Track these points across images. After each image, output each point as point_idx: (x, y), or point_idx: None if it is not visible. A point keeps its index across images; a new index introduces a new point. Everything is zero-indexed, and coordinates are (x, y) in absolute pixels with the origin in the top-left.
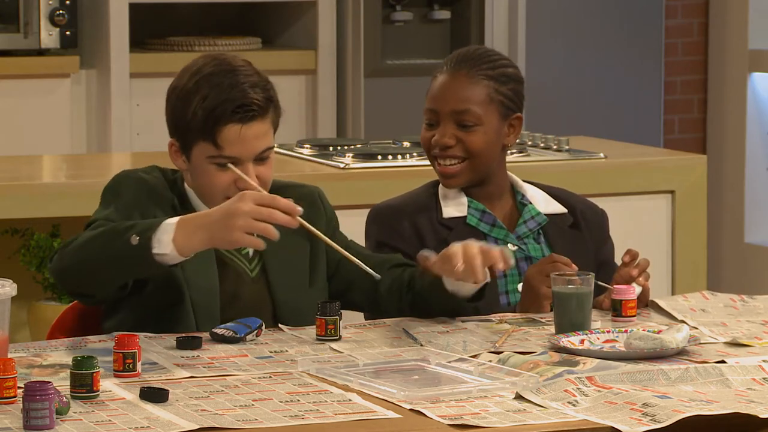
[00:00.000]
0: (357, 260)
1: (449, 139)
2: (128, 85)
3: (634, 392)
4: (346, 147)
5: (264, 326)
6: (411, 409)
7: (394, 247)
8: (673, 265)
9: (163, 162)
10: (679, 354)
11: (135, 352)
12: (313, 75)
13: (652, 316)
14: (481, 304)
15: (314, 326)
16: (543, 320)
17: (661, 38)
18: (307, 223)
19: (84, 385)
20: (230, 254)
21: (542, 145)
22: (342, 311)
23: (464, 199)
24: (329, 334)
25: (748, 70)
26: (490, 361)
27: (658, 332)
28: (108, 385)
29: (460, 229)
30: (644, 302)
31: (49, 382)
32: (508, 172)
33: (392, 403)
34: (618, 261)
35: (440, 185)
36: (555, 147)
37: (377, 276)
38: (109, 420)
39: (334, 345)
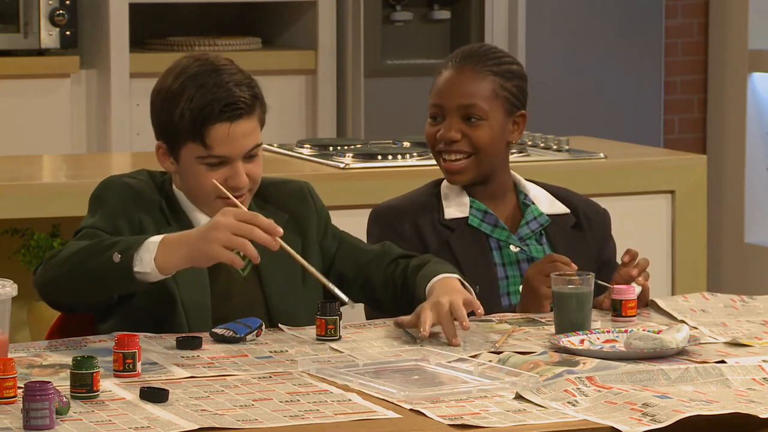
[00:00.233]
0: (330, 284)
1: (455, 133)
2: (128, 85)
3: (634, 392)
4: (346, 147)
5: (264, 326)
6: (411, 409)
7: None
8: (673, 265)
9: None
10: (679, 354)
11: (135, 352)
12: (313, 75)
13: (652, 316)
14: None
15: (314, 326)
16: (543, 320)
17: (661, 38)
18: (287, 246)
19: (84, 385)
20: None
21: (542, 145)
22: (342, 312)
23: (466, 200)
24: (329, 334)
25: (748, 70)
26: (490, 361)
27: (658, 332)
28: (108, 385)
29: (462, 230)
30: (644, 302)
31: (49, 382)
32: (511, 171)
33: (392, 403)
34: (618, 261)
35: (442, 185)
36: (555, 147)
37: (348, 301)
38: (109, 420)
39: (334, 345)
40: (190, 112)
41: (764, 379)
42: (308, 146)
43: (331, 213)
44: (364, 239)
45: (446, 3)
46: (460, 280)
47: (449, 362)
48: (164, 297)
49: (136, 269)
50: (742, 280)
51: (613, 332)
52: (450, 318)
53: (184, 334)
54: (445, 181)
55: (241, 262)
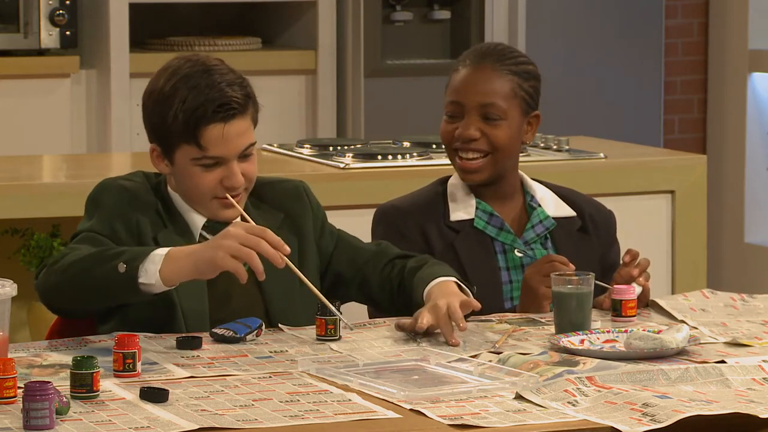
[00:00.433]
0: (320, 294)
1: (474, 131)
2: (128, 85)
3: (634, 392)
4: (346, 147)
5: (264, 326)
6: (411, 409)
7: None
8: (673, 265)
9: None
10: (679, 354)
11: (135, 352)
12: (313, 75)
13: (652, 316)
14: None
15: (314, 326)
16: (543, 320)
17: (661, 38)
18: (292, 265)
19: (84, 385)
20: None
21: (542, 145)
22: (342, 310)
23: (473, 201)
24: (329, 334)
25: (748, 70)
26: (490, 361)
27: (658, 332)
28: (108, 385)
29: (467, 232)
30: (644, 302)
31: (49, 382)
32: (519, 171)
33: (392, 403)
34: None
35: (448, 183)
36: (555, 147)
37: (347, 324)
38: (109, 420)
39: (334, 345)
40: (183, 114)
41: (764, 379)
42: (308, 146)
43: (331, 213)
44: (366, 239)
45: (446, 3)
46: (457, 282)
47: (449, 362)
48: (163, 301)
49: (141, 280)
50: (742, 280)
51: (613, 332)
52: (447, 320)
53: (184, 334)
54: (451, 180)
55: (246, 274)
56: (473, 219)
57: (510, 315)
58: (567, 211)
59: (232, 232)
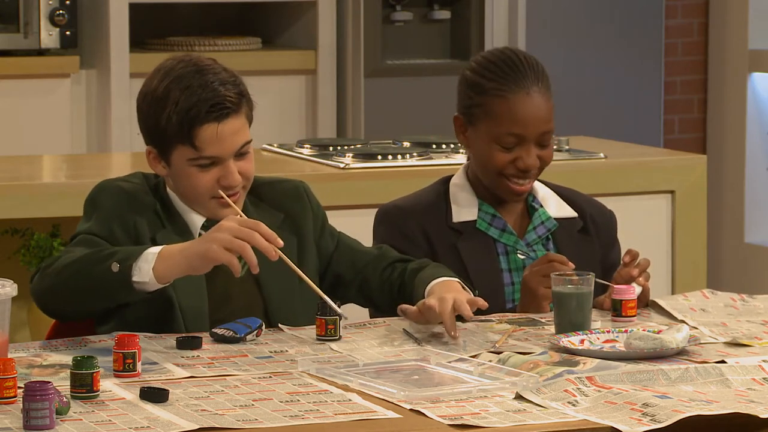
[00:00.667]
0: (322, 293)
1: (536, 160)
2: (128, 85)
3: (634, 392)
4: (346, 147)
5: (264, 326)
6: (411, 409)
7: (401, 250)
8: (673, 265)
9: None
10: (679, 354)
11: (135, 352)
12: (313, 75)
13: (652, 316)
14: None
15: (314, 326)
16: (543, 320)
17: (661, 38)
18: (285, 257)
19: (84, 385)
20: None
21: None
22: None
23: (475, 202)
24: (329, 334)
25: (748, 70)
26: (490, 361)
27: (658, 332)
28: (108, 385)
29: (470, 233)
30: (644, 302)
31: (49, 382)
32: None
33: (392, 403)
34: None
35: (451, 184)
36: (555, 147)
37: (343, 315)
38: (109, 420)
39: (334, 345)
40: (177, 115)
41: (764, 379)
42: (308, 146)
43: (331, 213)
44: (367, 239)
45: (446, 3)
46: (460, 282)
47: (449, 362)
48: (162, 301)
49: (134, 279)
50: (742, 280)
51: (613, 332)
52: (452, 313)
53: (184, 334)
54: (453, 180)
55: (239, 266)
56: (476, 220)
57: (510, 315)
58: (568, 212)
59: (225, 226)
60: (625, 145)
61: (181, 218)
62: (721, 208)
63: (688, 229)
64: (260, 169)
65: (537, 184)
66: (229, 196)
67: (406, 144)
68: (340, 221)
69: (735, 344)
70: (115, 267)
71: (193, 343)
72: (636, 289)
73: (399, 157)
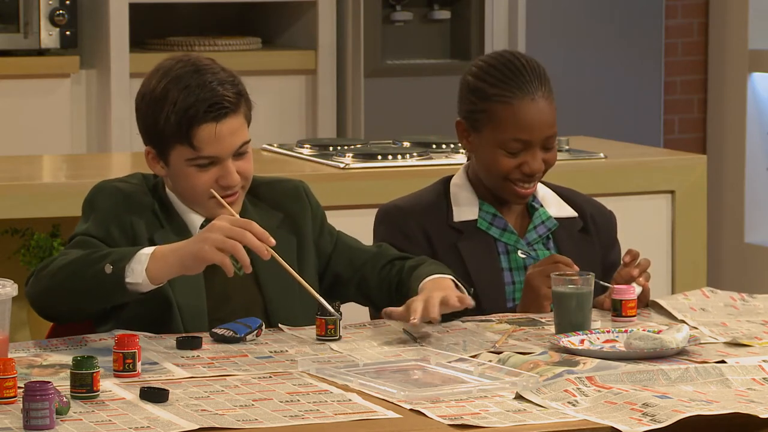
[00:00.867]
0: (318, 296)
1: (541, 164)
2: (128, 85)
3: (634, 392)
4: (346, 147)
5: (264, 326)
6: (411, 409)
7: (401, 250)
8: (673, 265)
9: None
10: (679, 354)
11: (135, 352)
12: (313, 75)
13: (652, 316)
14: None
15: (314, 326)
16: (543, 320)
17: (661, 38)
18: (277, 256)
19: (84, 385)
20: None
21: None
22: (342, 311)
23: (476, 201)
24: (329, 334)
25: (748, 70)
26: (490, 361)
27: (658, 332)
28: (108, 385)
29: (471, 232)
30: (644, 302)
31: (49, 382)
32: None
33: (392, 403)
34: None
35: (451, 183)
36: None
37: (336, 315)
38: (109, 420)
39: (334, 345)
40: (175, 115)
41: (764, 379)
42: (308, 146)
43: (331, 213)
44: (367, 239)
45: (446, 3)
46: (453, 279)
47: (449, 362)
48: (160, 301)
49: (127, 280)
50: (742, 280)
51: (613, 332)
52: (435, 306)
53: (184, 334)
54: (453, 180)
55: (232, 266)
56: (477, 220)
57: (510, 315)
58: (568, 212)
59: (217, 226)
60: (625, 145)
61: (180, 218)
62: (721, 208)
63: (688, 229)
64: (260, 169)
65: (537, 185)
66: (227, 196)
67: (406, 144)
68: (340, 221)
69: (735, 344)
70: (108, 268)
71: (193, 343)
72: (636, 289)
73: (399, 157)
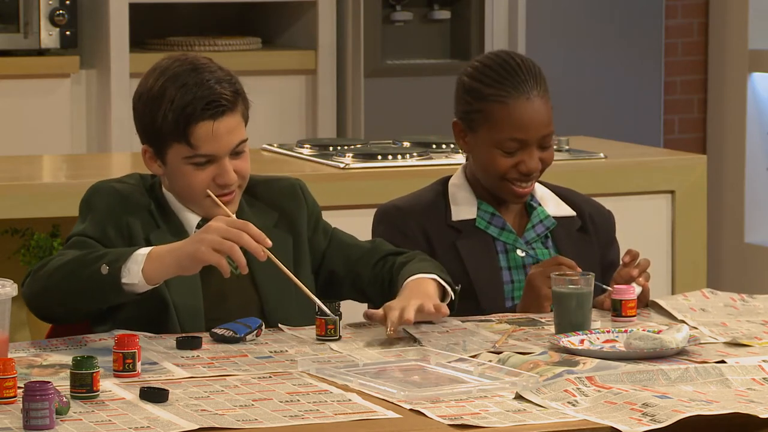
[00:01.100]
0: (314, 297)
1: (537, 163)
2: (128, 85)
3: (634, 392)
4: (346, 147)
5: (264, 326)
6: (411, 409)
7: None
8: (673, 265)
9: None
10: (679, 354)
11: (135, 352)
12: (313, 75)
13: (652, 316)
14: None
15: (314, 326)
16: (543, 320)
17: (661, 38)
18: (274, 257)
19: (84, 385)
20: None
21: None
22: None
23: (475, 201)
24: (329, 334)
25: (748, 70)
26: (490, 361)
27: (658, 332)
28: (108, 385)
29: (469, 232)
30: (644, 302)
31: (49, 382)
32: None
33: (392, 403)
34: (620, 261)
35: (449, 184)
36: (555, 147)
37: (332, 316)
38: (109, 420)
39: (334, 345)
40: (172, 113)
41: (764, 379)
42: (308, 146)
43: (331, 213)
44: (366, 239)
45: (446, 3)
46: (437, 279)
47: (449, 362)
48: (156, 302)
49: (124, 281)
50: (742, 280)
51: (613, 332)
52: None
53: (184, 334)
54: (452, 180)
55: (228, 267)
56: (475, 219)
57: (510, 315)
58: (567, 211)
59: (214, 226)
60: (625, 145)
61: (177, 218)
62: (721, 208)
63: (688, 229)
64: (260, 169)
65: (535, 184)
66: (224, 195)
67: (406, 144)
68: (340, 221)
69: (735, 344)
70: (105, 269)
71: (193, 343)
72: (636, 289)
73: (399, 157)
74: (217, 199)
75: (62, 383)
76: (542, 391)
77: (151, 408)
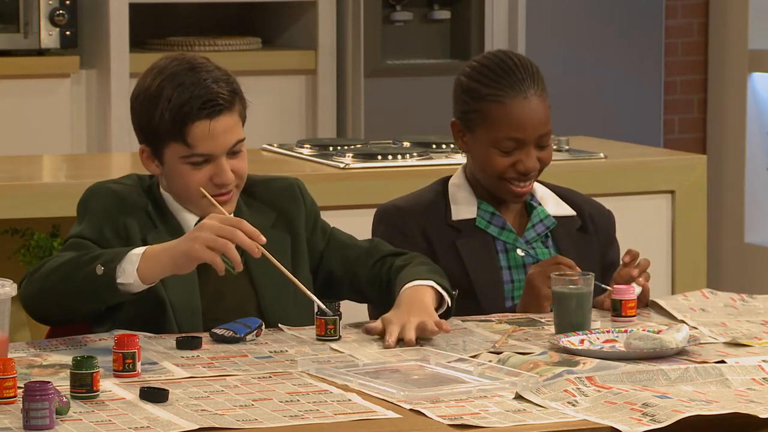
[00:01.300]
0: (313, 296)
1: (535, 162)
2: (128, 85)
3: (633, 392)
4: (346, 147)
5: (264, 326)
6: (411, 409)
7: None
8: (673, 265)
9: None
10: (679, 354)
11: (135, 352)
12: (313, 75)
13: (652, 316)
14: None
15: (314, 326)
16: (543, 320)
17: (661, 38)
18: (268, 254)
19: (84, 385)
20: None
21: None
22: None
23: (474, 200)
24: (329, 334)
25: (748, 70)
26: (490, 361)
27: (658, 332)
28: (108, 385)
29: (469, 231)
30: (644, 302)
31: (49, 382)
32: None
33: (392, 403)
34: (620, 261)
35: (449, 183)
36: (555, 147)
37: (329, 314)
38: (109, 420)
39: (334, 345)
40: (169, 113)
41: (764, 379)
42: (308, 146)
43: (331, 213)
44: (366, 239)
45: (446, 3)
46: (434, 287)
47: (449, 362)
48: (154, 301)
49: (119, 281)
50: (742, 280)
51: (613, 332)
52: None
53: (183, 335)
54: (452, 180)
55: (223, 265)
56: (475, 219)
57: (510, 315)
58: (567, 210)
59: (208, 224)
60: (625, 145)
61: (174, 218)
62: (721, 208)
63: (688, 229)
64: (260, 169)
65: (535, 184)
66: (221, 195)
67: (406, 144)
68: (340, 221)
69: (735, 344)
70: (100, 270)
71: (192, 343)
72: (636, 289)
73: (399, 157)
74: (212, 199)
75: (62, 383)
76: (542, 391)
77: (151, 408)
